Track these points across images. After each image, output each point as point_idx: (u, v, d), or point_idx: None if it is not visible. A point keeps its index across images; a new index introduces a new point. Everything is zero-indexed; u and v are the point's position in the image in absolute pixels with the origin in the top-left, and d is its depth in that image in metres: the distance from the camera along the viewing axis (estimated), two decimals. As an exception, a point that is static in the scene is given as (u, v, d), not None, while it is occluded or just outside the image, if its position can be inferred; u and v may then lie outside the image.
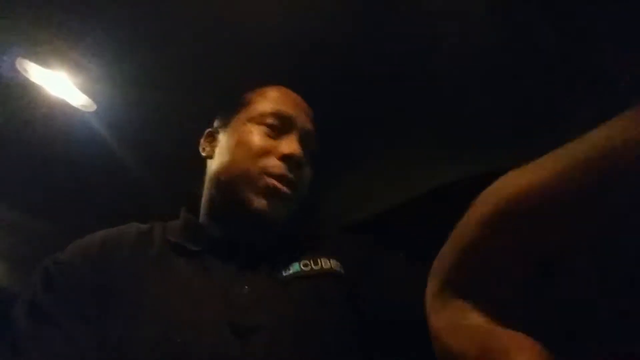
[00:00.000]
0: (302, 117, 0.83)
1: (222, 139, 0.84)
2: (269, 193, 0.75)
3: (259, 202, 0.74)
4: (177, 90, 1.44)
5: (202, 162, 1.69)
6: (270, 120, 0.80)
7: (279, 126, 0.80)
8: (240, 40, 1.25)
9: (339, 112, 1.30)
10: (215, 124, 0.89)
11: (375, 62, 1.21)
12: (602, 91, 1.14)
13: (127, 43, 1.30)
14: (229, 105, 0.87)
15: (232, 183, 0.77)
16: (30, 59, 1.37)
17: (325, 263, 0.74)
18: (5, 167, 1.85)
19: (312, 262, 0.73)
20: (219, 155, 0.83)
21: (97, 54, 1.35)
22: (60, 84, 1.44)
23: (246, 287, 0.68)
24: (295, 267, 0.72)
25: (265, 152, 0.77)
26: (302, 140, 0.80)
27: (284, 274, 0.72)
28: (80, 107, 1.52)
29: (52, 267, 0.69)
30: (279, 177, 0.75)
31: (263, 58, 1.28)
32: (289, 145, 0.77)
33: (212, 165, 0.83)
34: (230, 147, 0.80)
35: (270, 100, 0.83)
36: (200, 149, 0.88)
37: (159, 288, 0.67)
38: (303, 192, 0.81)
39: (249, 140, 0.78)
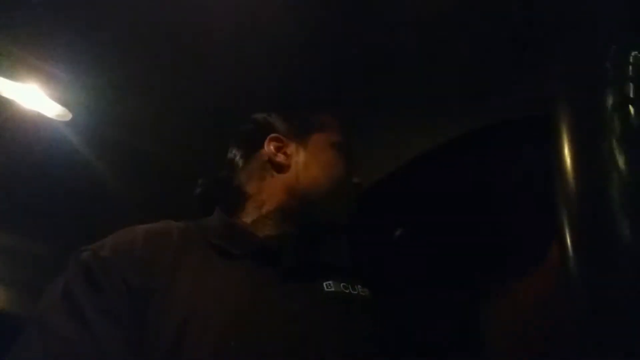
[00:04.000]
0: (356, 154, 0.97)
1: (302, 154, 0.89)
2: (350, 211, 0.89)
3: (345, 215, 0.88)
4: (152, 95, 1.43)
5: (183, 167, 1.70)
6: (347, 151, 0.92)
7: (351, 157, 0.93)
8: (217, 44, 1.24)
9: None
10: (281, 130, 0.92)
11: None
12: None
13: (98, 49, 1.29)
14: (298, 120, 0.94)
15: (326, 197, 0.86)
16: (-1, 74, 1.35)
17: (362, 291, 0.77)
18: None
19: (350, 287, 0.77)
20: (303, 168, 0.87)
21: (67, 63, 1.34)
22: (32, 96, 1.42)
23: (294, 300, 0.69)
24: (336, 286, 0.75)
25: (349, 178, 0.90)
26: None
27: (326, 288, 0.74)
28: (55, 117, 1.50)
29: (92, 263, 0.65)
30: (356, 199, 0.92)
31: (245, 57, 1.28)
32: (357, 175, 0.92)
33: (292, 175, 0.87)
34: (320, 163, 0.89)
35: (343, 131, 0.95)
36: (272, 154, 0.88)
37: (208, 294, 0.66)
38: None
39: (339, 163, 0.90)
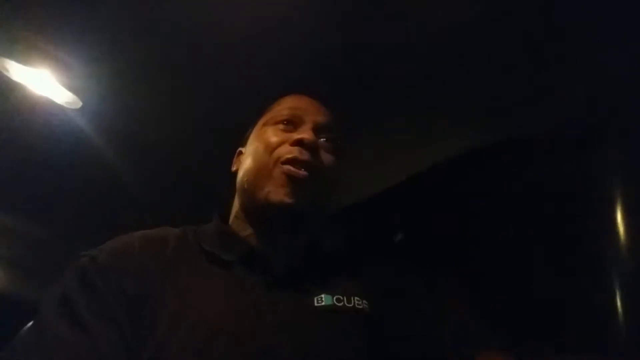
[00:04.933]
0: (314, 111, 0.84)
1: (245, 150, 0.88)
2: (285, 180, 0.74)
3: (277, 192, 0.74)
4: (164, 84, 1.42)
5: (191, 158, 1.70)
6: (282, 118, 0.82)
7: (293, 121, 0.82)
8: (229, 36, 1.23)
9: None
10: (242, 144, 0.92)
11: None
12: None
13: (111, 38, 1.28)
14: (251, 122, 0.91)
15: (253, 182, 0.78)
16: (11, 58, 1.34)
17: (358, 302, 0.73)
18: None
19: (345, 299, 0.73)
20: (242, 164, 0.85)
21: (80, 50, 1.33)
22: (43, 82, 1.41)
23: (281, 311, 0.68)
24: (327, 300, 0.71)
25: (279, 144, 0.78)
26: (317, 130, 0.81)
27: (316, 303, 0.71)
28: (65, 105, 1.50)
29: (89, 267, 0.66)
30: (292, 162, 0.75)
31: (255, 51, 1.26)
32: (301, 132, 0.79)
33: (238, 176, 0.85)
34: (250, 152, 0.83)
35: (283, 102, 0.87)
36: (232, 167, 0.91)
37: (197, 300, 0.66)
38: (327, 180, 0.80)
39: (264, 139, 0.80)
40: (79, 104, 1.49)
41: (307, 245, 0.82)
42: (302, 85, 0.91)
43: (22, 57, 1.34)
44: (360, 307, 0.73)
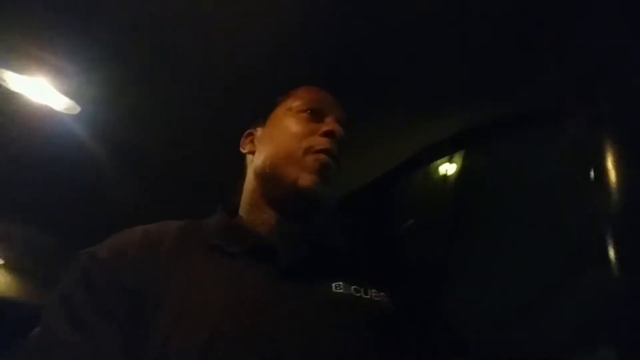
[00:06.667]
0: (335, 105, 0.89)
1: (262, 133, 0.89)
2: (317, 168, 0.78)
3: (306, 179, 0.77)
4: (161, 88, 1.43)
5: (189, 162, 1.70)
6: (306, 107, 0.85)
7: (317, 112, 0.85)
8: (227, 39, 1.23)
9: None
10: (252, 126, 0.94)
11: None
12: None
13: (107, 43, 1.29)
14: (264, 108, 0.92)
15: (279, 167, 0.80)
16: (8, 68, 1.36)
17: (376, 295, 0.74)
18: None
19: (362, 290, 0.74)
20: (262, 147, 0.86)
21: (76, 56, 1.34)
22: (40, 90, 1.43)
23: (288, 302, 0.68)
24: (346, 288, 0.72)
25: (308, 133, 0.81)
26: (339, 124, 0.85)
27: (334, 289, 0.72)
28: (63, 111, 1.51)
29: (90, 266, 0.66)
30: (325, 152, 0.79)
31: (253, 54, 1.27)
32: (330, 124, 0.82)
33: (257, 158, 0.86)
34: (273, 136, 0.85)
35: (304, 93, 0.89)
36: (241, 148, 0.91)
37: (201, 294, 0.66)
38: (340, 172, 0.84)
39: (292, 126, 0.83)
40: (77, 109, 1.50)
41: (315, 237, 0.83)
42: (292, 82, 0.92)
43: (19, 67, 1.35)
44: (378, 299, 0.75)
